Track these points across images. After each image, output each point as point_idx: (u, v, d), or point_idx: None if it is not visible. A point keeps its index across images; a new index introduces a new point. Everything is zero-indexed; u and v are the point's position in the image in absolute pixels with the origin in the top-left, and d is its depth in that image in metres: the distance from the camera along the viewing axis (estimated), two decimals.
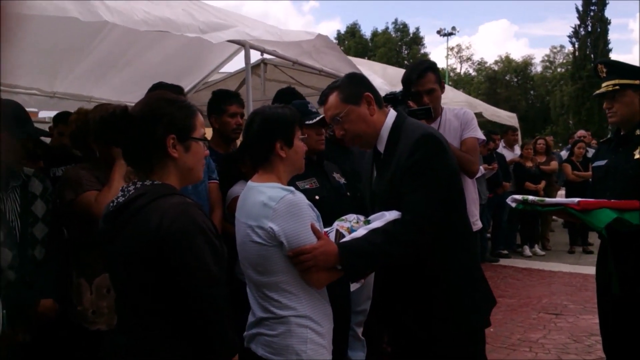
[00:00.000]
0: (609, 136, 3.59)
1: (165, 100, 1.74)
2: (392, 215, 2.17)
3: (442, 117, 3.42)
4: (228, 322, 1.69)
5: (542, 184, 8.90)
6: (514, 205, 2.68)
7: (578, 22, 40.35)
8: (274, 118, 2.13)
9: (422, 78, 3.27)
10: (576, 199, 2.47)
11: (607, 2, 39.41)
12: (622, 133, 2.91)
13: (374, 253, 2.10)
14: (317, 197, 2.73)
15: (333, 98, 2.33)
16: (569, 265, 8.18)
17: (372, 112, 2.32)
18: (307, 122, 2.99)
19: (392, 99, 2.85)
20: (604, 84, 2.87)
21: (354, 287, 2.21)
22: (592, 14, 39.72)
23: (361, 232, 2.14)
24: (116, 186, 2.65)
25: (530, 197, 2.63)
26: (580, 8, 40.00)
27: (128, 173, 2.68)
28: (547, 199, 2.72)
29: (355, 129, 2.32)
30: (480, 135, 3.44)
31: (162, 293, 1.61)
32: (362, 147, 2.49)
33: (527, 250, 9.07)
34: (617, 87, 2.79)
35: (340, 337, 2.21)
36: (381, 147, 2.35)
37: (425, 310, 2.25)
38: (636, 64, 2.93)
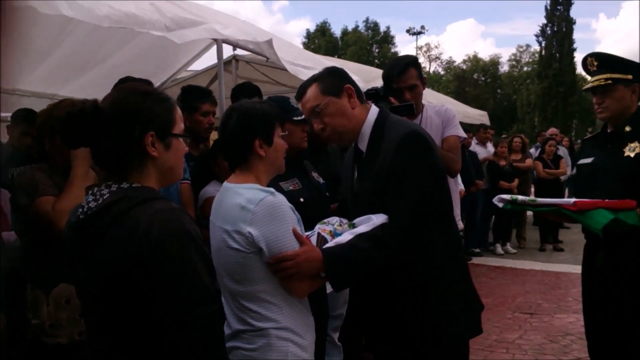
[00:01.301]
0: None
1: (140, 94, 1.55)
2: (379, 219, 2.04)
3: (423, 114, 3.31)
4: (223, 342, 1.54)
5: (515, 182, 8.91)
6: (501, 205, 2.57)
7: (545, 22, 41.18)
8: (253, 113, 1.98)
9: (404, 74, 3.14)
10: (572, 200, 2.37)
11: (572, 2, 40.31)
12: (609, 130, 2.82)
13: (361, 260, 1.97)
14: (301, 200, 2.59)
15: (312, 90, 2.20)
16: (541, 263, 8.19)
17: (354, 105, 2.20)
18: (294, 118, 2.86)
19: (374, 95, 2.73)
20: (593, 78, 2.75)
21: (329, 289, 2.07)
22: (557, 13, 40.53)
23: (346, 236, 2.00)
24: (76, 192, 2.42)
25: (520, 197, 2.52)
26: (549, 7, 40.78)
27: (97, 175, 2.49)
28: (539, 199, 2.59)
29: (335, 122, 2.19)
30: (461, 133, 3.34)
31: (147, 309, 1.42)
32: (342, 142, 2.36)
33: (499, 249, 9.10)
34: (609, 82, 2.68)
35: (317, 344, 2.09)
36: (363, 146, 2.23)
37: (417, 318, 2.12)
38: None
